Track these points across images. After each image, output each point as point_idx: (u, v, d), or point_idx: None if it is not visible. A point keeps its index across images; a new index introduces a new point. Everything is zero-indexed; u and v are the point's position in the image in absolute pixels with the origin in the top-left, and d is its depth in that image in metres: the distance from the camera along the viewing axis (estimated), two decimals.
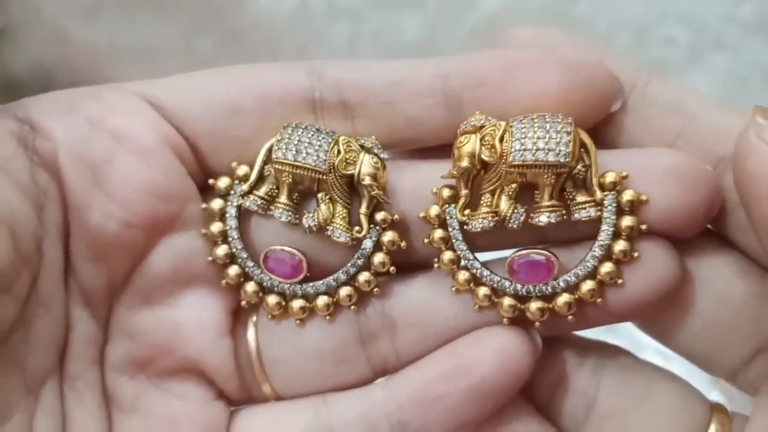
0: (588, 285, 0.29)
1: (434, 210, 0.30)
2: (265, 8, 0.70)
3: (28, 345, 0.29)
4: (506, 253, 0.30)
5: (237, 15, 0.71)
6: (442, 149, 0.31)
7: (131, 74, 0.34)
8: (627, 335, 0.34)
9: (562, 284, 0.29)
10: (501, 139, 0.29)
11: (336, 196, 0.30)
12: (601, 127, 0.30)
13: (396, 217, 0.30)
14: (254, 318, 0.32)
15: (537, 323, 0.30)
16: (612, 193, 0.29)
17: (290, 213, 0.31)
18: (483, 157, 0.29)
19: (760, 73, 0.69)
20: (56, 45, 0.69)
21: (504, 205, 0.29)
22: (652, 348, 0.33)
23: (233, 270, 0.31)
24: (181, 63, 0.60)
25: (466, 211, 0.30)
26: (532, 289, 0.30)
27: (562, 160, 0.28)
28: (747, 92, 0.69)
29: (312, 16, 0.70)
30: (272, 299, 0.32)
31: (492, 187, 0.30)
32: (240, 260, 0.31)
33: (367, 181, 0.30)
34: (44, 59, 0.66)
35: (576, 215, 0.29)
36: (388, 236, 0.30)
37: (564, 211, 0.29)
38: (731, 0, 0.68)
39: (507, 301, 0.30)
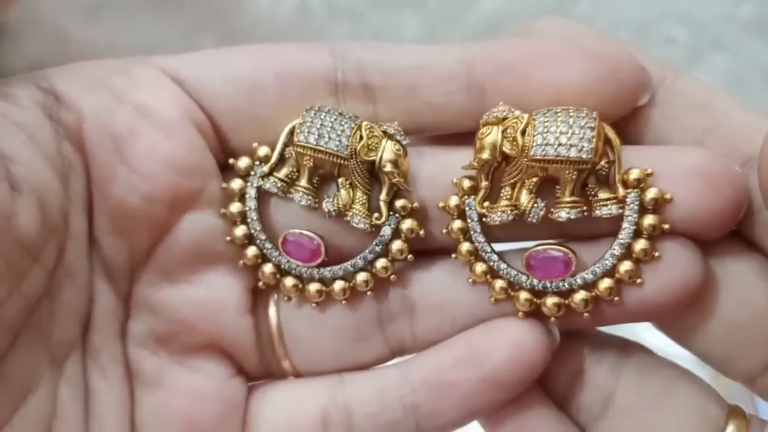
0: (606, 283, 0.29)
1: (454, 200, 0.30)
2: (265, 8, 0.70)
3: (54, 316, 0.29)
4: (526, 243, 0.30)
5: (237, 15, 0.71)
6: (463, 136, 0.31)
7: None
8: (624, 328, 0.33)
9: (579, 281, 0.29)
10: (523, 132, 0.29)
11: (356, 182, 0.30)
12: (628, 120, 0.30)
13: (416, 204, 0.30)
14: (275, 296, 0.33)
15: (552, 319, 0.30)
16: (635, 190, 0.28)
17: (310, 197, 0.30)
18: (504, 149, 0.29)
19: (760, 73, 0.69)
20: (56, 45, 0.69)
21: (524, 198, 0.29)
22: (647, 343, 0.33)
23: (251, 251, 0.31)
24: None
25: (486, 203, 0.30)
26: (548, 285, 0.30)
27: (584, 156, 0.28)
28: (746, 92, 0.69)
29: (312, 16, 0.70)
30: (289, 281, 0.32)
31: (512, 180, 0.29)
32: (258, 242, 0.31)
33: (389, 168, 0.30)
34: (44, 59, 0.66)
35: (597, 212, 0.29)
36: (407, 224, 0.30)
37: (585, 208, 0.29)
38: (731, 0, 0.68)
39: (523, 295, 0.30)
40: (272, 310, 0.32)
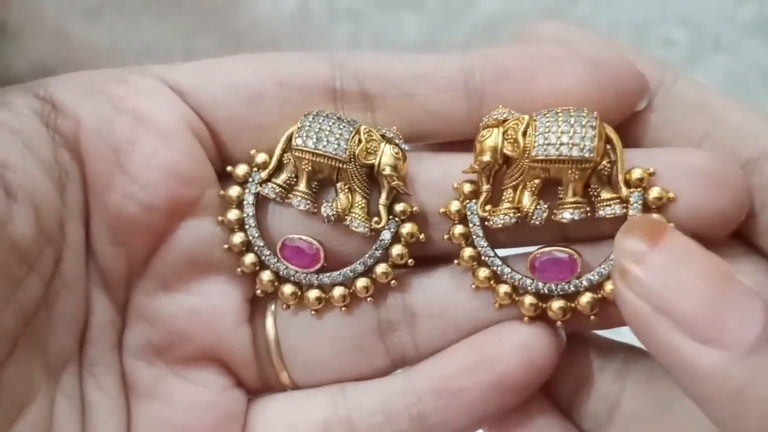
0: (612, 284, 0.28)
1: (455, 205, 0.30)
2: (266, 9, 0.70)
3: (50, 327, 0.29)
4: (528, 248, 0.30)
5: (237, 16, 0.71)
6: (462, 144, 0.30)
7: None
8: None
9: (585, 283, 0.29)
10: (524, 134, 0.28)
11: (355, 186, 0.30)
12: (626, 125, 0.30)
13: (415, 208, 0.30)
14: (272, 306, 0.32)
15: (558, 323, 0.30)
16: (638, 190, 0.28)
17: (309, 201, 0.30)
18: (505, 151, 0.29)
19: (759, 74, 0.69)
20: (57, 45, 0.68)
21: (526, 201, 0.29)
22: None
23: (249, 258, 0.31)
24: None
25: (488, 207, 0.29)
26: (554, 288, 0.29)
27: (586, 155, 0.28)
28: (746, 93, 0.69)
29: (312, 17, 0.70)
30: (288, 288, 0.31)
31: (514, 183, 0.29)
32: (256, 248, 0.31)
33: (388, 171, 0.29)
34: (45, 60, 0.66)
35: (600, 212, 0.29)
36: (407, 228, 0.30)
37: (588, 208, 0.28)
38: (730, 1, 0.68)
39: (528, 299, 0.29)
40: (269, 322, 0.32)
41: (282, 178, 0.31)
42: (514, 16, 0.68)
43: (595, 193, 0.29)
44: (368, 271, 0.31)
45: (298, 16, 0.69)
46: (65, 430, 0.29)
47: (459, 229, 0.30)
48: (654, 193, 0.28)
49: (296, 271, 0.31)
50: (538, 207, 0.29)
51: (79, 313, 0.30)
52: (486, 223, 0.29)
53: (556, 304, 0.29)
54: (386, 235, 0.30)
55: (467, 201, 0.30)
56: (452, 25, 0.70)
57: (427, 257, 0.31)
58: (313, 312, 0.31)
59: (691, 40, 0.68)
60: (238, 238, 0.31)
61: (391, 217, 0.30)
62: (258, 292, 0.32)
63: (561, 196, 0.29)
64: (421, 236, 0.30)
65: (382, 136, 0.30)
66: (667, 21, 0.69)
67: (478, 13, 0.69)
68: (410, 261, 0.30)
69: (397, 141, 0.30)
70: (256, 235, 0.31)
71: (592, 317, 0.29)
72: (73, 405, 0.29)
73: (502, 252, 0.30)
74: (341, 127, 0.29)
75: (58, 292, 0.29)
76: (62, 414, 0.29)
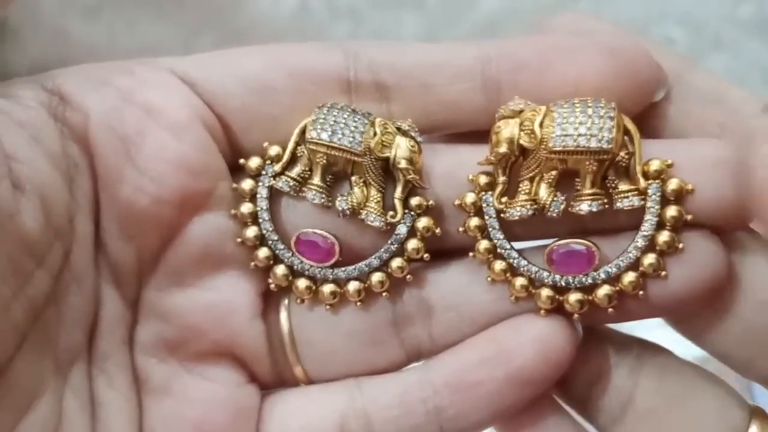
0: (630, 277, 0.28)
1: (470, 197, 0.29)
2: (266, 8, 0.70)
3: (59, 322, 0.28)
4: (544, 242, 0.30)
5: (237, 15, 0.71)
6: (478, 135, 0.30)
7: None
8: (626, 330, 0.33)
9: (602, 275, 0.29)
10: (541, 124, 0.28)
11: (370, 180, 0.30)
12: (643, 116, 0.30)
13: (431, 202, 0.30)
14: (286, 301, 0.32)
15: (575, 316, 0.29)
16: (656, 181, 0.28)
17: (323, 195, 0.30)
18: (522, 142, 0.28)
19: (759, 72, 0.69)
20: (57, 44, 0.68)
21: (543, 192, 0.28)
22: None
23: (263, 252, 0.30)
24: None
25: (504, 199, 0.29)
26: (571, 281, 0.29)
27: (605, 146, 0.27)
28: None
29: (312, 16, 0.70)
30: (302, 283, 0.31)
31: (531, 174, 0.29)
32: (270, 242, 0.30)
33: (403, 164, 0.29)
34: (44, 58, 0.66)
35: (618, 204, 0.28)
36: (423, 222, 0.30)
37: (606, 200, 0.28)
38: (730, 0, 0.68)
39: (545, 292, 0.29)
40: (283, 316, 0.32)
41: (296, 171, 0.30)
42: (515, 14, 0.68)
43: (613, 185, 0.28)
44: (384, 266, 0.30)
45: (298, 15, 0.69)
46: (75, 426, 0.28)
47: (474, 221, 0.29)
48: (672, 184, 0.28)
49: (311, 266, 0.31)
50: (555, 199, 0.28)
51: (89, 308, 0.30)
52: (502, 215, 0.29)
53: (574, 297, 0.29)
54: (402, 230, 0.30)
55: (483, 193, 0.29)
56: (452, 24, 0.70)
57: (442, 250, 0.31)
58: (327, 306, 0.31)
59: (691, 39, 0.69)
60: (251, 231, 0.30)
61: (406, 211, 0.30)
62: (272, 286, 0.31)
63: (578, 187, 0.28)
64: (437, 231, 0.30)
65: (398, 128, 0.29)
66: (667, 20, 0.69)
67: (478, 12, 0.69)
68: (426, 256, 0.30)
69: (412, 133, 0.29)
70: (270, 228, 0.30)
71: (610, 310, 0.29)
72: (82, 401, 0.29)
73: (518, 245, 0.30)
74: (356, 119, 0.29)
75: (67, 286, 0.28)
76: (71, 410, 0.28)
